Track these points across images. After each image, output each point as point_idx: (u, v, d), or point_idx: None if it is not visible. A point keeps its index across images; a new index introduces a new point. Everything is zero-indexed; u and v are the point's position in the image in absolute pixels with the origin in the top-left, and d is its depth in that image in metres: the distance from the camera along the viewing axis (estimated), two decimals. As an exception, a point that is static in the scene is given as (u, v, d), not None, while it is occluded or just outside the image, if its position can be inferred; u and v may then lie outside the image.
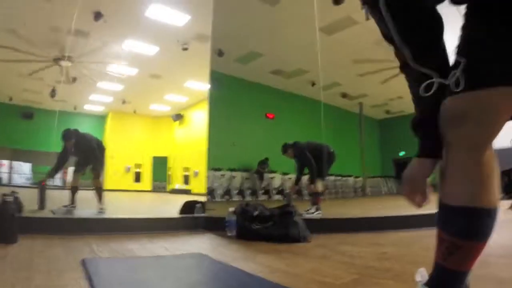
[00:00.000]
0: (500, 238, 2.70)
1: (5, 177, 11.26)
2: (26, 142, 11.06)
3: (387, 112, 9.07)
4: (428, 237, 2.85)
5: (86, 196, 4.67)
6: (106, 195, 4.70)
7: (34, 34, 6.94)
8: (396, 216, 3.45)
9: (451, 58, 0.94)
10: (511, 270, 1.60)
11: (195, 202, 3.99)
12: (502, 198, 6.27)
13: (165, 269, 1.91)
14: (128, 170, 12.73)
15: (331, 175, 8.19)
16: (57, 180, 12.06)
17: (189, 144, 12.13)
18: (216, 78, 5.11)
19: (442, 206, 0.97)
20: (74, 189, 4.59)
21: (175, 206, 4.19)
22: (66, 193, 4.59)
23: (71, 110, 11.33)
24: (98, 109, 12.51)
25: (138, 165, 13.09)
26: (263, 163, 7.37)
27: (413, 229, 3.25)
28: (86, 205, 4.60)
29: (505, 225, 3.42)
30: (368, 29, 4.90)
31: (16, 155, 11.32)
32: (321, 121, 5.16)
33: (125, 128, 12.81)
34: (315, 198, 4.35)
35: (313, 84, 7.29)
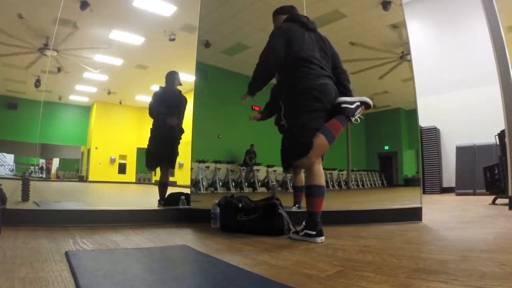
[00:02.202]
0: (482, 233, 2.76)
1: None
2: (10, 132, 10.89)
3: (373, 106, 9.13)
4: (408, 231, 2.92)
5: (69, 188, 4.64)
6: (90, 187, 4.67)
7: (19, 24, 6.81)
8: (378, 209, 3.49)
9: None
10: (492, 264, 1.63)
11: (180, 194, 3.99)
12: (485, 194, 6.39)
13: (149, 261, 1.91)
14: (113, 161, 12.62)
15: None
16: (44, 171, 11.95)
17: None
18: (202, 69, 5.08)
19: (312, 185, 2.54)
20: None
21: (159, 198, 4.20)
22: (51, 185, 4.55)
23: (56, 100, 11.17)
24: (83, 99, 12.37)
25: (123, 156, 12.98)
26: (251, 151, 7.31)
27: (394, 222, 3.30)
28: (70, 197, 4.56)
29: (487, 220, 3.50)
30: (356, 23, 4.92)
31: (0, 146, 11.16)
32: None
33: (110, 119, 12.70)
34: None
35: (300, 77, 7.27)
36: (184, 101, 4.59)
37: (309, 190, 2.58)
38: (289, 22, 2.84)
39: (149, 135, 4.56)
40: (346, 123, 2.63)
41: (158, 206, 4.11)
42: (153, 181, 12.87)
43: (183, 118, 4.56)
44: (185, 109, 4.59)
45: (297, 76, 2.63)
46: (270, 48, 2.71)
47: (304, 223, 2.57)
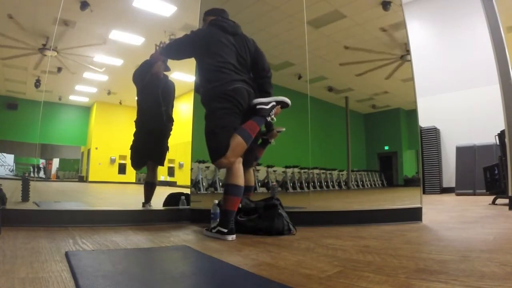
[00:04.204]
0: (482, 233, 2.76)
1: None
2: (10, 133, 10.85)
3: (373, 106, 9.13)
4: (408, 231, 2.91)
5: (69, 188, 4.62)
6: (90, 187, 4.64)
7: (19, 24, 6.80)
8: (378, 209, 3.49)
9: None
10: (492, 264, 1.63)
11: (180, 194, 3.97)
12: (484, 194, 6.40)
13: (149, 262, 1.91)
14: (113, 161, 12.60)
15: (315, 168, 8.18)
16: (41, 172, 11.92)
17: (174, 135, 12.04)
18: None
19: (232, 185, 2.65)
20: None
21: (160, 198, 4.15)
22: (51, 185, 4.53)
23: (56, 100, 11.15)
24: (83, 100, 12.35)
25: (123, 157, 12.95)
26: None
27: (394, 222, 3.30)
28: (70, 197, 4.55)
29: (487, 220, 3.49)
30: (355, 23, 4.92)
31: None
32: (308, 114, 5.17)
33: (110, 119, 12.66)
34: None
35: (300, 77, 7.27)
36: (174, 88, 4.52)
37: (226, 188, 2.70)
38: (210, 26, 2.97)
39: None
40: (263, 123, 2.81)
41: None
42: (153, 182, 12.86)
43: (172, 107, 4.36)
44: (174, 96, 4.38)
45: (212, 81, 2.78)
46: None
47: (218, 220, 2.71)
